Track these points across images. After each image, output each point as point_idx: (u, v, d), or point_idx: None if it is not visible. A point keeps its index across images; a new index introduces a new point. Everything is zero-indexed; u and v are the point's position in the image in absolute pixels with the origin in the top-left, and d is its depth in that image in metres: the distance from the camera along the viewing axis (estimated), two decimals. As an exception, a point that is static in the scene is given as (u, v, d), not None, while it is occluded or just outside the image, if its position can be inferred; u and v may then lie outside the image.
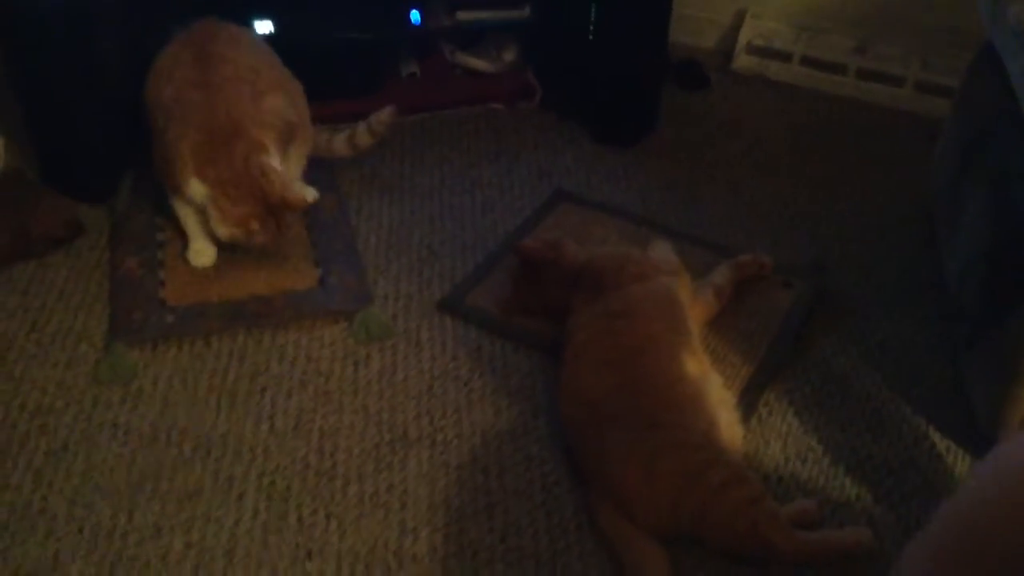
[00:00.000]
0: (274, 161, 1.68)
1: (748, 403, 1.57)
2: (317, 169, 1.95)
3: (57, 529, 1.35)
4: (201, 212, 1.72)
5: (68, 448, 1.47)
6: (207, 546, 1.34)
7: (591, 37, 2.18)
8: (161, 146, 1.70)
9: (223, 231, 1.68)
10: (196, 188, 1.66)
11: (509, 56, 2.38)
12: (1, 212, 1.78)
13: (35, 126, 1.91)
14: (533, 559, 1.35)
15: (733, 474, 1.34)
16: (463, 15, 2.25)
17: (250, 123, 1.68)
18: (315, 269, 1.79)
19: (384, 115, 1.96)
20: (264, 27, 2.08)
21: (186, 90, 1.70)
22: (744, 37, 2.53)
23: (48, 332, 1.66)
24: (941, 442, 1.54)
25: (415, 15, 2.20)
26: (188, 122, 1.67)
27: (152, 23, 1.84)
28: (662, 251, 1.81)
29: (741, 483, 1.33)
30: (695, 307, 1.65)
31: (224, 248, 1.77)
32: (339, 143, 2.00)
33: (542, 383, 1.61)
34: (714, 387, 1.48)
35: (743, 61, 2.53)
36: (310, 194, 1.73)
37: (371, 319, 1.70)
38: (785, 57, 2.49)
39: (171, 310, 1.68)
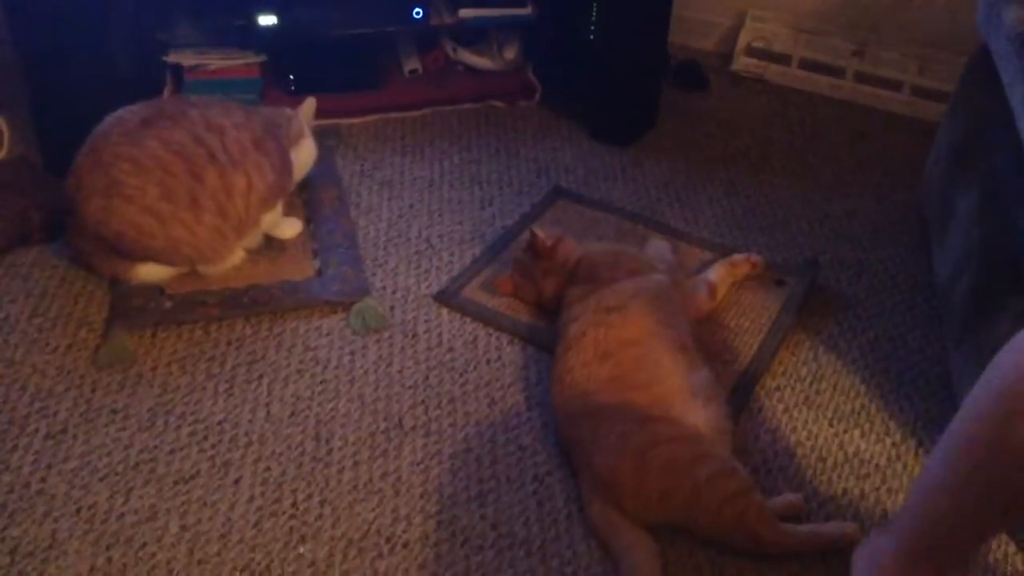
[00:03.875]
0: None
1: (739, 398, 1.59)
2: (318, 161, 1.97)
3: (55, 510, 1.37)
4: None
5: (67, 431, 1.48)
6: (202, 529, 1.36)
7: (592, 36, 2.20)
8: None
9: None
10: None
11: (510, 54, 2.40)
12: (4, 198, 1.80)
13: (39, 112, 1.92)
14: (523, 547, 1.37)
15: (722, 467, 1.36)
16: (465, 12, 2.27)
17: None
18: (314, 260, 1.81)
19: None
20: (268, 21, 2.10)
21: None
22: (744, 39, 2.55)
23: (49, 317, 1.68)
24: (928, 439, 1.56)
25: (418, 11, 2.22)
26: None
27: (162, 17, 1.86)
28: (657, 248, 1.83)
29: (730, 476, 1.35)
30: (689, 304, 1.67)
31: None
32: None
33: (536, 375, 1.63)
34: (705, 382, 1.50)
35: (742, 63, 2.55)
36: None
37: (368, 310, 1.72)
38: (784, 60, 2.52)
39: (169, 297, 1.70)
